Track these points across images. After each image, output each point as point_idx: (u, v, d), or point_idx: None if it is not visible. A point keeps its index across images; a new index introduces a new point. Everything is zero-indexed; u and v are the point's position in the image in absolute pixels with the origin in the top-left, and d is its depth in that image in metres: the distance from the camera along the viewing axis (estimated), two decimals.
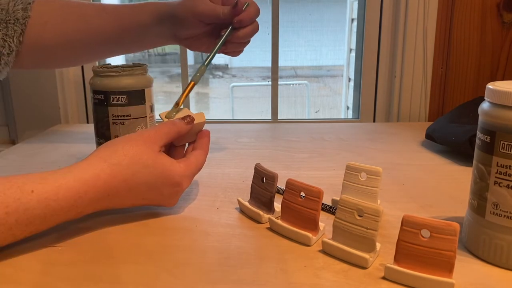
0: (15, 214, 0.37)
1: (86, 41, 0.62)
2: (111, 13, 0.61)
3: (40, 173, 0.40)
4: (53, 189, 0.39)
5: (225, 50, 0.62)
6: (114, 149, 0.44)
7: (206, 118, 0.53)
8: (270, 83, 1.04)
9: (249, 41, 0.63)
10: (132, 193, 0.44)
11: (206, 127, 0.54)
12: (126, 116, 0.61)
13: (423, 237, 0.35)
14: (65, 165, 0.42)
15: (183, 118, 0.51)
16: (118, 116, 0.61)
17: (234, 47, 0.62)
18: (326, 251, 0.40)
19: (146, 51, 0.56)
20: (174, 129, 0.49)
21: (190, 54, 1.01)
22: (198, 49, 0.64)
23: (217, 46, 0.59)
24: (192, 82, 0.55)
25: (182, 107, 0.54)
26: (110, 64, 0.66)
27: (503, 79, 0.97)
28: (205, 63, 0.57)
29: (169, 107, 0.54)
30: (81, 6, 0.62)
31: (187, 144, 0.54)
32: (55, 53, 0.62)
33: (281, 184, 0.49)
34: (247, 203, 0.49)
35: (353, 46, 1.08)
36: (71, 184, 0.40)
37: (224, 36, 0.59)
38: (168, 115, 0.53)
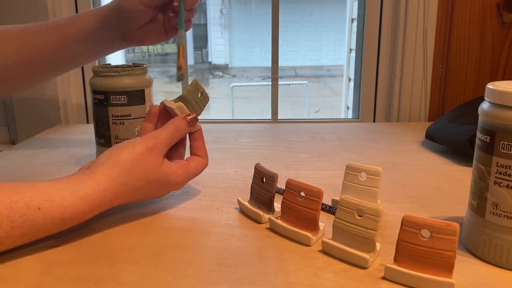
0: (20, 229, 0.38)
1: (30, 59, 0.60)
2: (52, 26, 0.60)
3: (47, 186, 0.40)
4: (60, 209, 0.39)
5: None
6: (122, 168, 0.44)
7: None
8: (270, 83, 1.04)
9: (195, 10, 0.61)
10: (132, 201, 0.47)
11: (207, 128, 0.53)
12: (126, 116, 0.61)
13: (423, 237, 0.35)
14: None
15: (185, 117, 0.50)
16: (118, 116, 0.61)
17: (186, 16, 0.60)
18: (326, 251, 0.40)
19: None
20: (177, 136, 0.49)
21: (190, 54, 1.01)
22: (150, 39, 0.62)
23: (181, 4, 0.57)
24: (181, 45, 0.54)
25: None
26: (110, 64, 0.66)
27: (503, 79, 0.97)
28: (180, 26, 0.56)
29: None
30: (21, 26, 0.61)
31: (187, 143, 0.54)
32: (1, 77, 0.61)
33: (281, 184, 0.49)
34: (247, 203, 0.49)
35: (353, 46, 1.08)
36: (78, 205, 0.40)
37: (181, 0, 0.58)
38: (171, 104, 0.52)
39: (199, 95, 0.53)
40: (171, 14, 0.60)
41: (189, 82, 0.55)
